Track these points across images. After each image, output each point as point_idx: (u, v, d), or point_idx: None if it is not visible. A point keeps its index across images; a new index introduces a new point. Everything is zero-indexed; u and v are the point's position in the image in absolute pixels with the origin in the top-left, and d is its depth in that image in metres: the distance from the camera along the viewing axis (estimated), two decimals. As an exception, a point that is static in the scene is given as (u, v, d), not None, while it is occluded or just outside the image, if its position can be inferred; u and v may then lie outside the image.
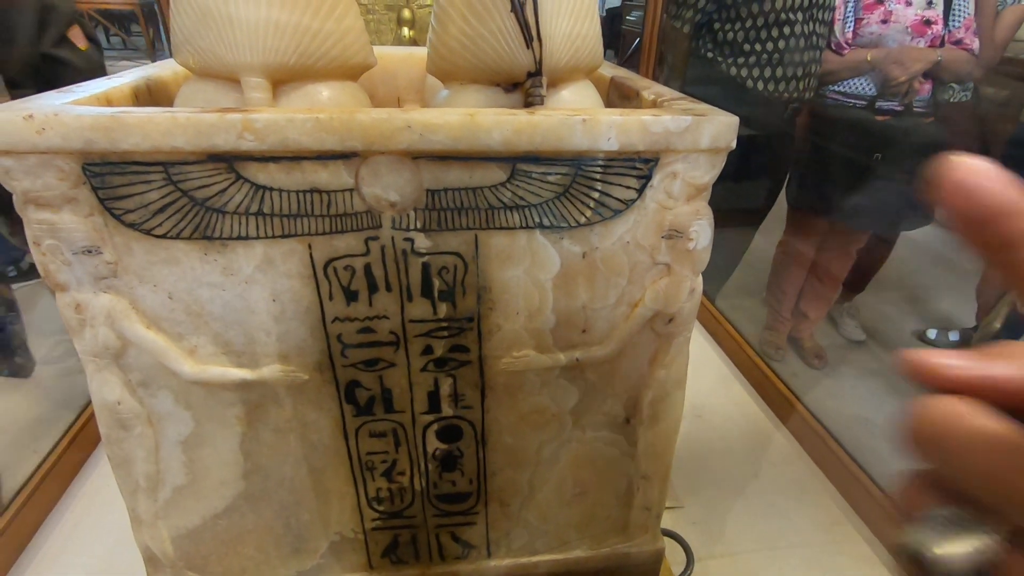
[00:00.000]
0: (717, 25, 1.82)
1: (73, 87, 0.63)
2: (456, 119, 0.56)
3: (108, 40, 6.87)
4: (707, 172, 0.62)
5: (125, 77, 0.70)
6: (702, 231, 0.65)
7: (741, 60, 1.81)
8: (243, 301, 0.62)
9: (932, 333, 2.50)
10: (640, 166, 0.61)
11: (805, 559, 1.13)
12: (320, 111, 0.54)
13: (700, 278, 0.69)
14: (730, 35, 1.81)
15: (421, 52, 1.08)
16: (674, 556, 1.09)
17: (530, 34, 0.63)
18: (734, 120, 0.60)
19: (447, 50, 0.67)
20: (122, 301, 0.60)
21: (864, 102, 1.90)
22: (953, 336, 2.47)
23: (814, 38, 1.81)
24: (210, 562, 0.76)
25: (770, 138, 1.98)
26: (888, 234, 2.18)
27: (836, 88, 1.92)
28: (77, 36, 1.61)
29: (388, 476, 0.75)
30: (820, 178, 1.96)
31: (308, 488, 0.74)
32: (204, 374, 0.64)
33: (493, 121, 0.56)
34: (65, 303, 0.59)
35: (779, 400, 1.69)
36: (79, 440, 1.35)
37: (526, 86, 0.67)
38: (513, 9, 0.62)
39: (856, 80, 1.88)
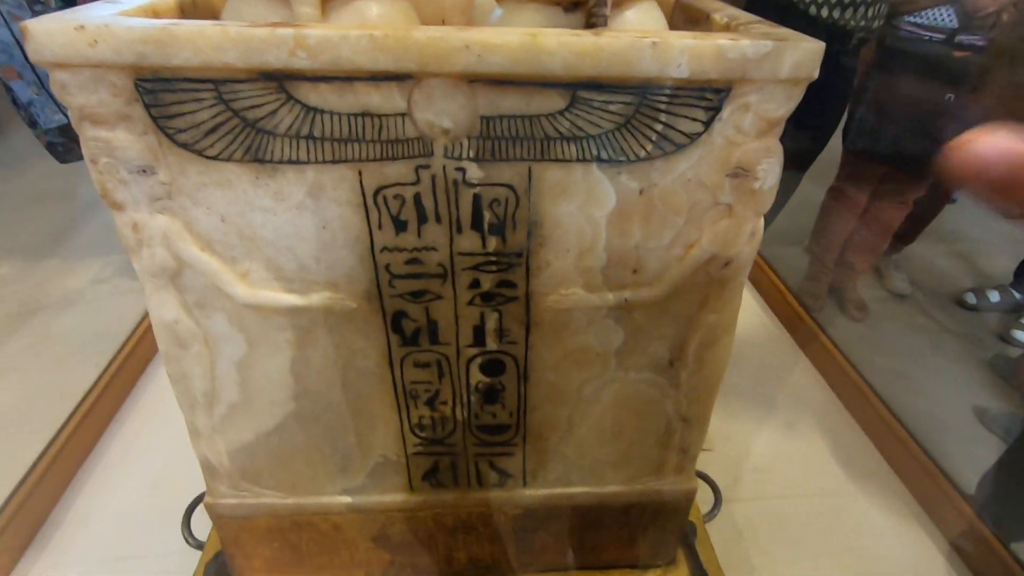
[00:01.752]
0: (785, -55, 1.66)
1: (119, -2, 0.61)
2: (516, 39, 0.52)
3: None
4: (782, 105, 0.58)
5: (170, -11, 0.68)
6: (771, 170, 0.61)
7: (808, -16, 1.66)
8: (294, 227, 0.62)
9: (971, 297, 2.38)
10: (710, 96, 0.57)
11: (834, 507, 1.14)
12: (375, 28, 0.51)
13: (761, 220, 0.65)
14: (797, -44, 1.65)
15: (469, -31, 1.01)
16: (702, 496, 1.11)
17: (598, -55, 0.58)
18: (819, 46, 0.55)
19: (505, -37, 0.62)
20: (177, 222, 0.61)
21: (943, 35, 1.73)
22: (994, 297, 2.35)
23: (891, -41, 1.64)
24: (263, 475, 0.80)
25: (829, 73, 1.84)
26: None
27: (911, 19, 1.75)
28: None
29: (431, 405, 0.77)
30: (885, 119, 1.82)
31: (355, 412, 0.76)
32: (256, 298, 0.65)
33: (556, 43, 0.52)
34: (123, 222, 0.60)
35: (818, 350, 1.66)
36: (136, 353, 1.42)
37: (589, 5, 0.62)
38: (581, -85, 0.57)
39: (935, 10, 1.71)
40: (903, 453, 1.24)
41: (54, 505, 1.17)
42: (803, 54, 0.55)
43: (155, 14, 0.61)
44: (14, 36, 1.48)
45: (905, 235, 2.33)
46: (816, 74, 0.56)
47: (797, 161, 2.10)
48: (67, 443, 1.20)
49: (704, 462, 1.21)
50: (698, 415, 0.79)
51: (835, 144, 2.06)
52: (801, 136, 1.99)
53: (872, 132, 1.90)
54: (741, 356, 1.51)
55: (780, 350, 1.61)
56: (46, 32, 0.49)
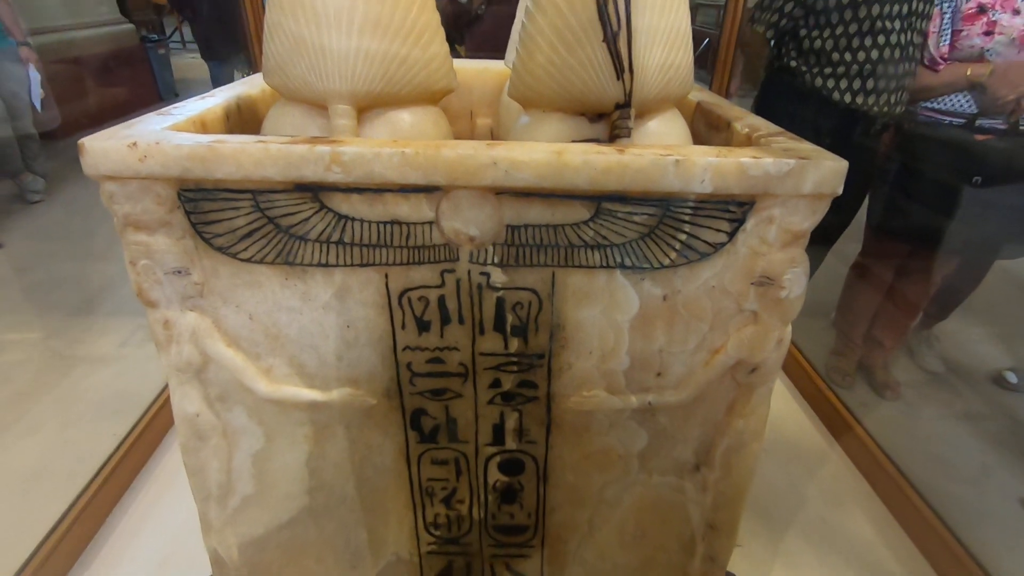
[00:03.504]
0: (803, 32, 1.71)
1: (171, 108, 0.65)
2: (543, 156, 0.54)
3: (193, 34, 7.25)
4: (807, 218, 0.58)
5: (217, 96, 0.72)
6: (796, 280, 0.61)
7: (828, 70, 1.70)
8: (319, 326, 0.63)
9: (1012, 376, 2.28)
10: (734, 209, 0.57)
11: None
12: (406, 145, 0.54)
13: (789, 328, 0.64)
14: (817, 43, 1.70)
15: (497, 66, 1.07)
16: (730, 599, 1.04)
17: (622, 65, 0.60)
18: (842, 165, 0.56)
19: (532, 78, 0.65)
20: (206, 320, 0.62)
21: (962, 120, 1.75)
22: None
23: (910, 48, 1.68)
24: (272, 570, 0.78)
25: (852, 156, 1.86)
26: (980, 262, 2.01)
27: (929, 105, 1.78)
28: None
29: (447, 503, 0.75)
30: (909, 199, 1.82)
31: (369, 508, 0.74)
32: (278, 393, 0.66)
33: (581, 160, 0.54)
34: (155, 319, 0.62)
35: (846, 432, 1.59)
36: (156, 421, 1.42)
37: (613, 117, 0.64)
38: (605, 39, 0.60)
39: (954, 96, 1.74)
40: (942, 549, 1.16)
41: (62, 577, 1.15)
42: (826, 172, 0.55)
43: (203, 125, 0.64)
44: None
45: (937, 312, 2.27)
46: (840, 190, 0.57)
47: (821, 236, 2.09)
48: (81, 513, 1.19)
49: (733, 559, 1.14)
50: (726, 522, 0.75)
51: (859, 217, 2.05)
52: (826, 213, 1.98)
53: (895, 212, 1.89)
54: (769, 442, 1.45)
55: (809, 436, 1.54)
56: (102, 150, 0.52)
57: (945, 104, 1.78)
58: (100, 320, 2.11)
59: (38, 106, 2.82)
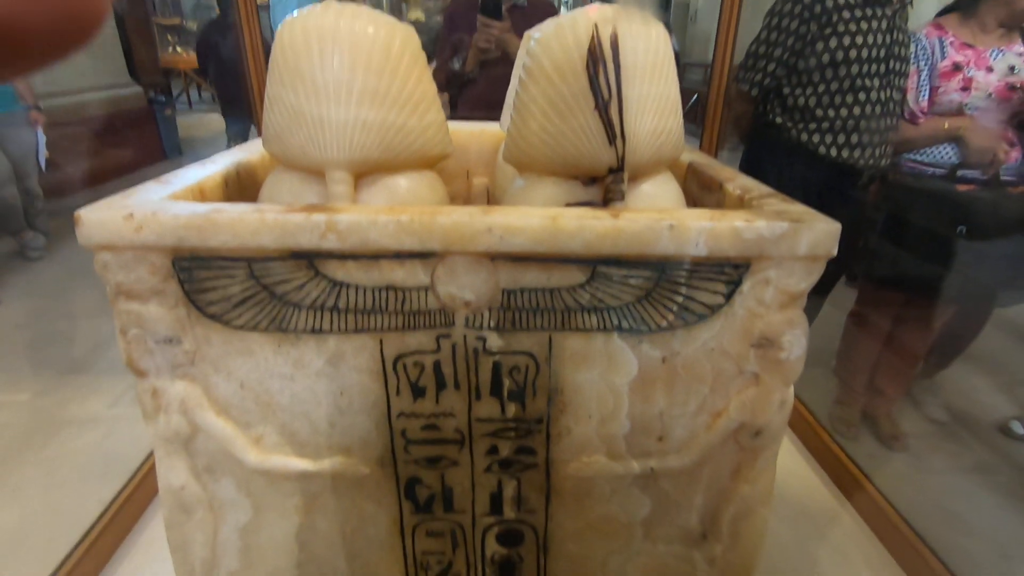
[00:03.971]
0: (787, 90, 1.77)
1: (170, 176, 0.66)
2: (538, 223, 0.54)
3: (200, 95, 7.51)
4: (803, 280, 0.58)
5: (217, 163, 0.73)
6: (796, 341, 0.60)
7: (813, 126, 1.75)
8: (311, 393, 0.61)
9: (1018, 427, 2.24)
10: (729, 272, 0.57)
11: None
12: (402, 212, 0.54)
13: (791, 390, 0.63)
14: (801, 100, 1.76)
15: (492, 127, 1.09)
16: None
17: (614, 132, 0.62)
18: (835, 227, 0.56)
19: (527, 144, 0.66)
20: (196, 388, 0.61)
21: (943, 170, 1.79)
22: None
23: (890, 105, 1.74)
24: (256, 654, 0.73)
25: (842, 205, 1.89)
26: (977, 310, 2.01)
27: (912, 156, 1.82)
28: None
29: (443, 577, 0.71)
30: (896, 249, 1.84)
31: (360, 584, 0.70)
32: (267, 463, 0.63)
33: (576, 225, 0.54)
34: (144, 388, 0.60)
35: (856, 489, 1.54)
36: (142, 488, 1.38)
37: (607, 181, 0.65)
38: (597, 107, 0.61)
39: (936, 148, 1.79)
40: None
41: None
42: (819, 234, 0.56)
43: (201, 192, 0.65)
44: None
45: (938, 360, 2.26)
46: (835, 252, 0.57)
47: (817, 286, 2.09)
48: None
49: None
50: (736, 594, 0.72)
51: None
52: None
53: (885, 260, 1.91)
54: (776, 499, 1.41)
55: (817, 492, 1.50)
56: (98, 221, 0.52)
57: (927, 156, 1.82)
58: (91, 379, 2.08)
59: (43, 166, 2.88)
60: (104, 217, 0.52)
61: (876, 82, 1.69)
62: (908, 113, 1.81)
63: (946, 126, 1.74)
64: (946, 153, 1.79)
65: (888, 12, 1.57)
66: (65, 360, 2.21)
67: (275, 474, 0.64)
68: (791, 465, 1.61)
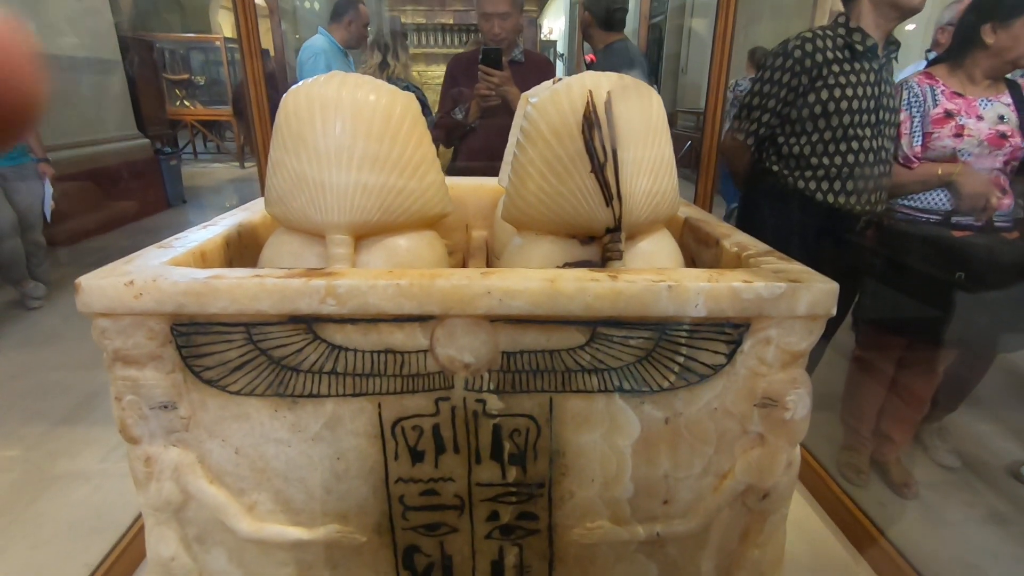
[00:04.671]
0: (781, 139, 1.81)
1: (172, 240, 0.66)
2: (537, 285, 0.54)
3: (204, 145, 7.71)
4: (804, 339, 0.58)
5: (219, 225, 0.74)
6: (800, 400, 0.59)
7: (809, 173, 1.78)
8: (307, 458, 0.60)
9: None
10: (730, 331, 0.57)
11: None
12: (401, 276, 0.54)
13: (798, 450, 0.62)
14: (796, 149, 1.79)
15: (490, 182, 1.11)
16: None
17: (610, 193, 0.63)
18: (833, 287, 0.56)
19: (524, 203, 0.67)
20: (190, 455, 0.59)
21: (938, 216, 1.81)
22: None
23: (882, 152, 1.78)
24: None
25: (839, 249, 1.90)
26: (979, 354, 2.00)
27: (906, 202, 1.85)
28: None
29: (442, 651, 0.68)
30: (895, 294, 1.85)
31: (355, 660, 0.67)
32: (260, 532, 0.61)
33: (575, 287, 0.54)
34: (136, 455, 0.59)
35: (870, 543, 1.49)
36: (129, 551, 1.33)
37: (604, 240, 0.66)
38: (593, 170, 0.62)
39: (931, 194, 1.81)
40: None
41: None
42: (818, 294, 0.56)
43: (203, 256, 0.66)
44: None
45: (945, 404, 2.23)
46: (834, 311, 0.57)
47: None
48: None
49: None
50: (750, 668, 0.68)
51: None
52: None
53: (884, 306, 1.91)
54: (788, 557, 1.36)
55: (830, 547, 1.45)
56: (98, 288, 0.53)
57: (920, 202, 1.85)
58: (84, 431, 2.05)
59: (48, 217, 2.92)
60: (104, 284, 0.52)
61: (867, 131, 1.74)
62: (903, 157, 1.84)
63: (940, 172, 1.77)
64: (939, 199, 1.81)
65: (875, 66, 1.63)
66: (58, 412, 2.18)
67: (268, 543, 0.62)
68: (800, 517, 1.56)
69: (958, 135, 1.76)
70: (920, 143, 1.82)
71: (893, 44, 1.69)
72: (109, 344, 0.55)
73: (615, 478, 0.62)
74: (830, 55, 1.63)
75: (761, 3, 5.60)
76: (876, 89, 1.66)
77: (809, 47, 1.64)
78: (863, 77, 1.64)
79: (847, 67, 1.64)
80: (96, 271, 0.55)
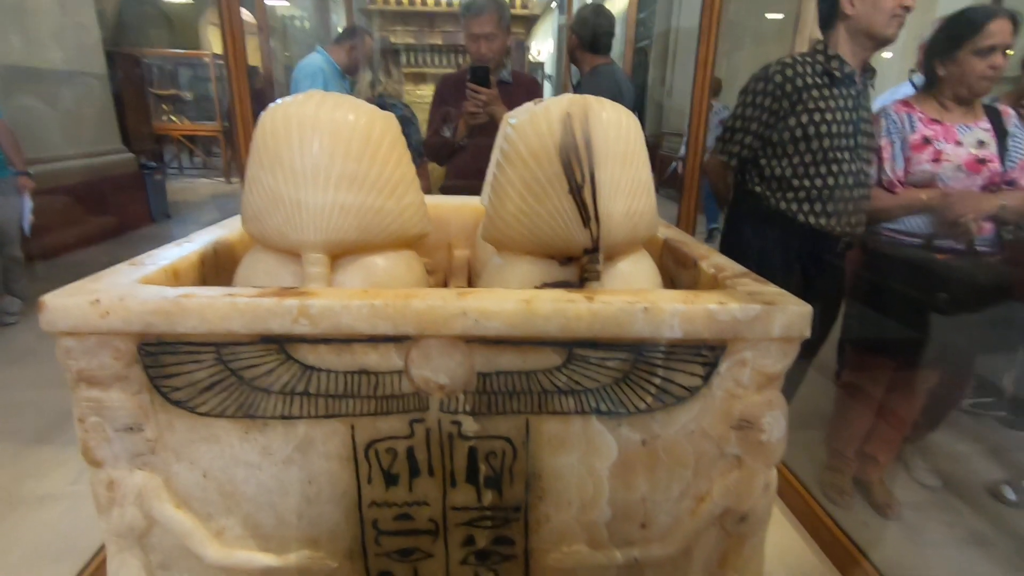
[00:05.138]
0: (763, 161, 1.84)
1: (144, 258, 0.65)
2: (513, 306, 0.54)
3: (191, 160, 7.67)
4: (779, 361, 0.58)
5: (195, 242, 0.73)
6: (775, 422, 0.59)
7: (791, 195, 1.80)
8: (278, 482, 0.59)
9: (1010, 492, 2.20)
10: (706, 353, 0.57)
11: None
12: (376, 296, 0.54)
13: (775, 472, 0.62)
14: (777, 171, 1.82)
15: (472, 202, 1.11)
16: None
17: (588, 215, 0.63)
18: (806, 310, 0.57)
19: (504, 224, 0.67)
20: (156, 479, 0.58)
21: (920, 240, 1.84)
22: None
23: (861, 176, 1.81)
24: None
25: (822, 272, 1.92)
26: (961, 376, 2.02)
27: (890, 226, 1.87)
28: None
29: None
30: (880, 316, 1.87)
31: None
32: (229, 559, 0.60)
33: (551, 308, 0.54)
34: (98, 479, 0.57)
35: (848, 561, 1.48)
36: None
37: (582, 261, 0.66)
38: (571, 191, 0.63)
39: (912, 218, 1.83)
40: None
41: None
42: (792, 316, 0.56)
43: (175, 274, 0.64)
44: None
45: (926, 423, 2.25)
46: (808, 333, 0.57)
47: (802, 352, 2.09)
48: None
49: None
50: None
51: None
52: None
53: (870, 328, 1.93)
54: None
55: (801, 558, 1.44)
56: (63, 307, 0.51)
57: (904, 225, 1.87)
58: (54, 451, 1.99)
59: (27, 232, 2.87)
60: (69, 303, 0.51)
61: (846, 155, 1.77)
62: (887, 182, 1.86)
63: (924, 197, 1.76)
64: (922, 223, 1.81)
65: (853, 92, 1.67)
66: (29, 431, 2.12)
67: (237, 570, 0.60)
68: (782, 539, 1.55)
69: (936, 160, 1.78)
70: (903, 168, 1.82)
71: (870, 71, 1.73)
72: (73, 364, 0.53)
73: (592, 501, 0.61)
74: (809, 80, 1.66)
75: (743, 30, 5.75)
76: (854, 114, 1.70)
77: (789, 72, 1.67)
78: (841, 103, 1.68)
79: (826, 92, 1.67)
80: (62, 289, 0.54)
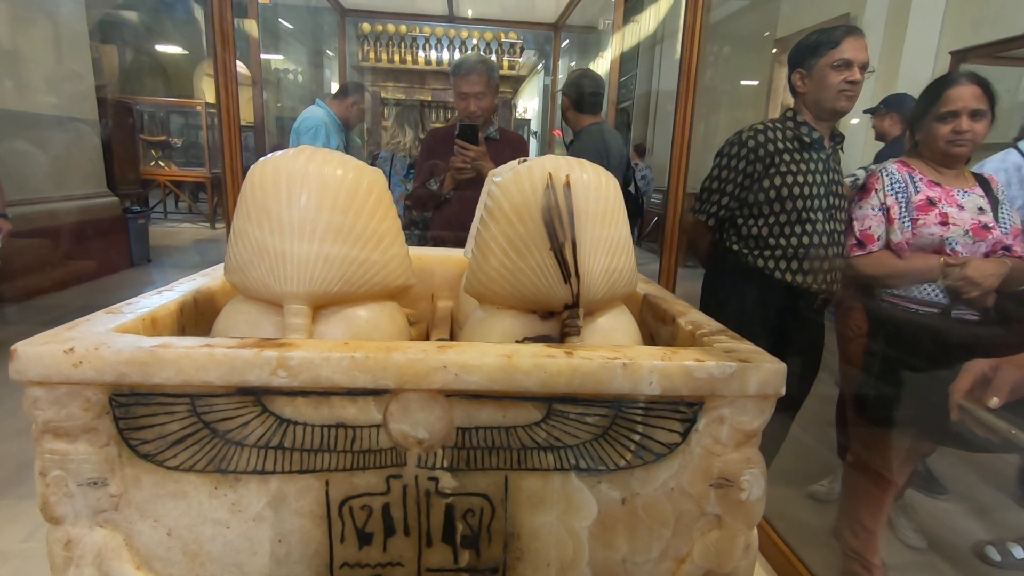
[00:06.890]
0: (740, 220, 1.89)
1: (123, 306, 0.65)
2: (493, 361, 0.54)
3: (176, 206, 7.68)
4: (756, 418, 0.58)
5: (175, 291, 0.73)
6: (755, 480, 0.59)
7: (768, 253, 1.83)
8: (247, 541, 0.56)
9: (994, 553, 2.14)
10: (684, 410, 0.58)
11: None
12: (356, 348, 0.54)
13: (755, 532, 0.61)
14: (755, 230, 1.85)
15: (456, 254, 1.13)
16: None
17: (568, 271, 0.64)
18: (780, 367, 0.58)
19: (486, 278, 0.68)
20: (117, 537, 0.55)
21: (937, 309, 1.68)
22: (1018, 553, 2.12)
23: (835, 235, 1.86)
24: None
25: (801, 327, 1.93)
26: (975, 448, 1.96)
27: (899, 292, 1.74)
28: None
29: None
30: (896, 389, 1.76)
31: None
32: (188, 625, 0.56)
33: (531, 363, 0.54)
34: (56, 538, 0.55)
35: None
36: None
37: (563, 316, 0.67)
38: (552, 248, 0.64)
39: (923, 285, 1.68)
40: None
41: None
42: (767, 374, 0.57)
43: (153, 323, 0.64)
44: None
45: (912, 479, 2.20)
46: (783, 391, 0.58)
47: (784, 406, 2.05)
48: None
49: None
50: None
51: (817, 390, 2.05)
52: (786, 384, 1.96)
53: (886, 401, 1.80)
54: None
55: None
56: (35, 355, 0.50)
57: (915, 292, 1.71)
58: (9, 505, 1.88)
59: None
60: (42, 351, 0.50)
61: (820, 215, 1.81)
62: (894, 244, 1.74)
63: (942, 261, 1.64)
64: (933, 292, 1.68)
65: (822, 155, 1.74)
66: (-14, 482, 2.01)
67: (196, 638, 0.57)
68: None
69: (944, 223, 1.67)
70: (910, 229, 1.70)
71: (838, 136, 1.81)
72: (40, 415, 0.52)
73: (572, 563, 0.59)
74: (780, 145, 1.73)
75: (720, 94, 6.05)
76: (825, 177, 1.77)
77: (761, 138, 1.75)
78: (812, 166, 1.75)
79: (797, 156, 1.74)
80: (36, 336, 0.53)
